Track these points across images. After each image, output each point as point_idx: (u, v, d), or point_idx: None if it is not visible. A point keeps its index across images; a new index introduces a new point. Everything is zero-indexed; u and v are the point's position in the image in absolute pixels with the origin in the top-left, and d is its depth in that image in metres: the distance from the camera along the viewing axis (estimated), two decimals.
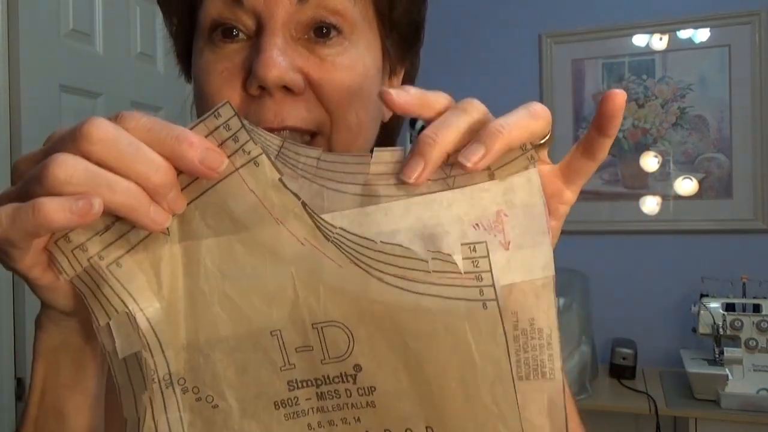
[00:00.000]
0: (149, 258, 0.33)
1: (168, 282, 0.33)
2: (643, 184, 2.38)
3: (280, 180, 0.32)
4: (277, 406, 0.34)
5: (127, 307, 0.32)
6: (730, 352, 1.92)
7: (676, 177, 2.33)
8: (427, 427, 0.34)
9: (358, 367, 0.34)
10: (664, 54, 2.36)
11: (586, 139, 0.38)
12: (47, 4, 1.51)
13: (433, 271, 0.32)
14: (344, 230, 0.33)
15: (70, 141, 0.30)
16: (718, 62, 2.30)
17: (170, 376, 0.33)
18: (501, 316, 0.32)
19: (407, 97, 0.34)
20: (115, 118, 0.31)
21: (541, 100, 2.60)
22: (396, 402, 0.34)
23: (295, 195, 0.33)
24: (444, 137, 0.33)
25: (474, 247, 0.32)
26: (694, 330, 2.00)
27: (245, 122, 0.32)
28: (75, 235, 0.32)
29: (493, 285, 0.32)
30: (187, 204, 0.33)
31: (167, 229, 0.33)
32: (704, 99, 2.31)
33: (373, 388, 0.34)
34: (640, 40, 2.38)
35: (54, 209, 0.28)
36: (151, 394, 0.33)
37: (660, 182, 2.36)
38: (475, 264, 0.32)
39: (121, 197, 0.30)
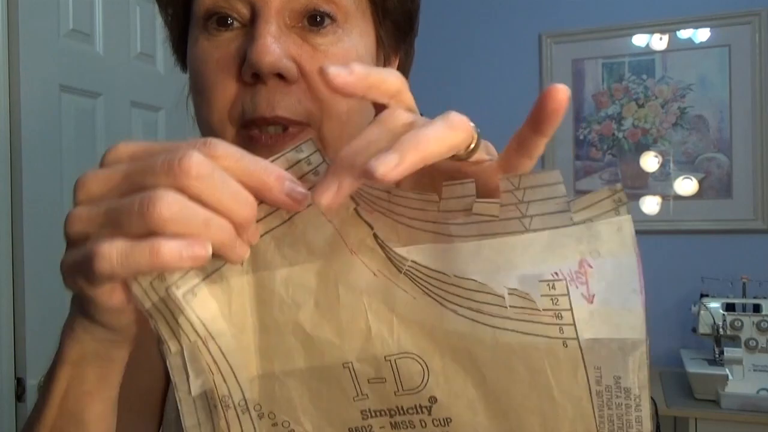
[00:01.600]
0: (223, 287, 0.33)
1: (240, 311, 0.33)
2: (643, 184, 2.38)
3: (356, 210, 0.32)
4: None
5: (200, 336, 0.32)
6: (730, 352, 1.92)
7: (676, 177, 2.33)
8: None
9: (433, 399, 0.33)
10: (664, 54, 2.36)
11: (519, 135, 0.32)
12: (47, 4, 1.51)
13: (510, 307, 0.31)
14: (416, 263, 0.32)
15: (166, 174, 0.29)
16: (718, 62, 2.30)
17: (245, 402, 0.33)
18: (583, 357, 0.31)
19: (348, 78, 0.30)
20: (204, 145, 0.30)
21: None
22: None
23: (369, 225, 0.32)
24: (359, 159, 0.29)
25: (553, 284, 0.30)
26: (694, 330, 2.00)
27: (326, 158, 0.32)
28: None
29: (573, 324, 0.30)
30: (263, 235, 0.33)
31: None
32: (704, 99, 2.31)
33: (449, 420, 0.33)
34: (640, 40, 2.38)
35: (170, 253, 0.28)
36: (227, 419, 0.33)
37: (660, 182, 2.36)
38: (554, 302, 0.30)
39: (216, 234, 0.30)
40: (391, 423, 0.34)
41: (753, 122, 2.26)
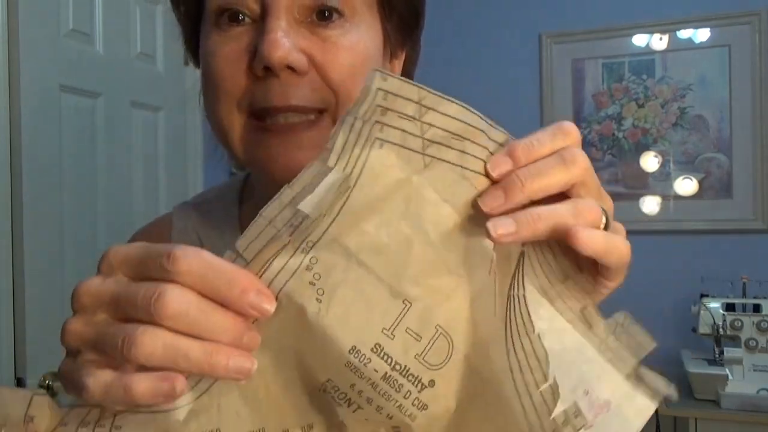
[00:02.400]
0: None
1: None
2: (643, 184, 2.38)
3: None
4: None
5: None
6: (730, 352, 1.92)
7: (676, 177, 2.34)
8: None
9: (432, 383, 0.34)
10: (664, 54, 2.36)
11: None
12: (47, 4, 1.51)
13: (541, 392, 0.33)
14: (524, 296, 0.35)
15: (146, 311, 0.31)
16: (718, 62, 2.30)
17: None
18: None
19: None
20: (167, 258, 0.31)
21: (541, 100, 2.62)
22: None
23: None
24: (533, 187, 0.33)
25: (576, 412, 0.33)
26: (694, 330, 2.00)
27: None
28: None
29: None
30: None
31: None
32: (704, 99, 2.31)
33: (425, 406, 0.34)
34: (640, 40, 2.38)
35: (142, 392, 0.30)
36: None
37: (660, 182, 2.36)
38: (566, 421, 0.33)
39: (196, 363, 0.31)
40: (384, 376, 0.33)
41: (753, 122, 2.26)
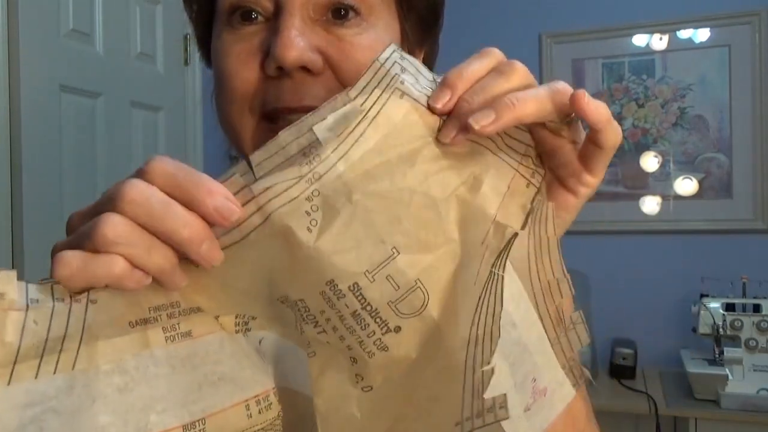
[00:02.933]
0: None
1: None
2: (643, 184, 2.38)
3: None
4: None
5: None
6: (730, 352, 1.92)
7: (676, 177, 2.33)
8: None
9: (398, 328, 0.35)
10: (664, 54, 2.36)
11: (587, 138, 0.39)
12: (47, 4, 1.51)
13: (482, 371, 0.34)
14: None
15: (110, 201, 0.32)
16: (718, 62, 2.30)
17: None
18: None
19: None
20: (143, 166, 0.33)
21: None
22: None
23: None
24: (479, 101, 0.34)
25: (502, 403, 0.34)
26: (694, 330, 2.00)
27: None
28: None
29: None
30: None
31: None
32: (704, 99, 2.31)
33: (386, 347, 0.35)
34: (640, 40, 2.38)
35: (121, 269, 0.31)
36: None
37: (660, 182, 2.36)
38: (491, 409, 0.34)
39: (156, 261, 0.32)
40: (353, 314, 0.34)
41: (753, 122, 2.26)
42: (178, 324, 0.34)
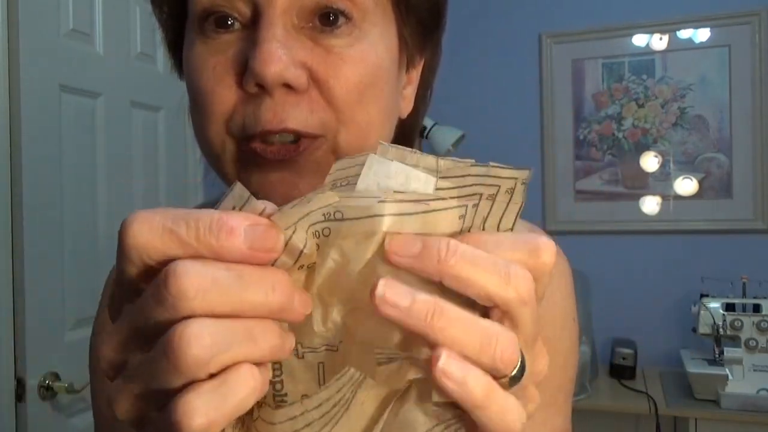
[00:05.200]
0: None
1: None
2: (643, 184, 2.38)
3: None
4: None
5: None
6: (730, 352, 1.92)
7: (676, 177, 2.34)
8: None
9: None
10: (664, 54, 2.36)
11: None
12: (47, 4, 1.51)
13: None
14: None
15: (160, 307, 0.24)
16: (718, 62, 2.30)
17: None
18: None
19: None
20: (124, 234, 0.25)
21: (541, 100, 2.61)
22: None
23: None
24: (455, 269, 0.25)
25: None
26: (694, 330, 2.00)
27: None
28: None
29: None
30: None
31: None
32: (704, 99, 2.32)
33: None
34: (640, 40, 2.38)
35: (255, 386, 0.25)
36: None
37: (660, 182, 2.36)
38: None
39: (266, 341, 0.25)
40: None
41: (753, 122, 2.26)
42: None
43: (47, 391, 1.47)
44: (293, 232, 0.26)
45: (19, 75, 1.42)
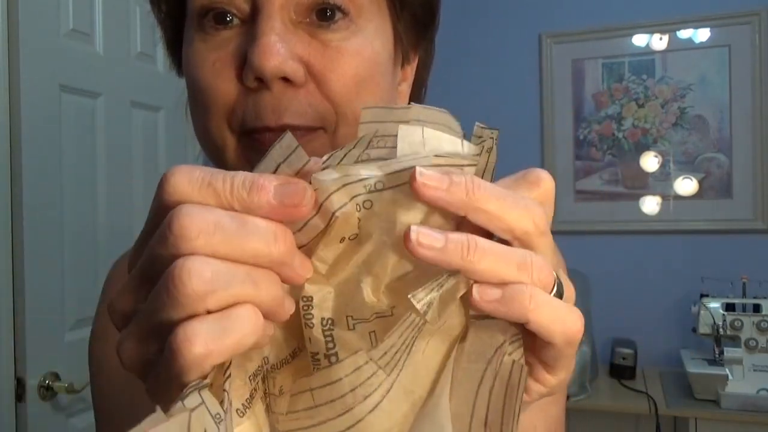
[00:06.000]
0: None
1: None
2: (643, 184, 2.38)
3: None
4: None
5: None
6: (730, 352, 1.92)
7: (676, 177, 2.34)
8: None
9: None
10: (664, 54, 2.36)
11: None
12: (47, 4, 1.51)
13: None
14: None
15: (168, 244, 0.24)
16: (718, 62, 2.30)
17: None
18: None
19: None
20: (165, 183, 0.26)
21: (541, 100, 2.61)
22: None
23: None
24: (478, 200, 0.26)
25: None
26: (694, 330, 2.00)
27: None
28: None
29: None
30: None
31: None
32: (704, 99, 2.32)
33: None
34: (640, 40, 2.38)
35: (253, 326, 0.25)
36: None
37: (660, 182, 2.36)
38: None
39: (268, 290, 0.26)
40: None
41: (753, 122, 2.26)
42: (274, 384, 0.30)
43: (47, 391, 1.47)
44: (329, 195, 0.27)
45: (19, 75, 1.42)
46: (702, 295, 2.05)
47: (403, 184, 0.27)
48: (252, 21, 0.42)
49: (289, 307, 0.27)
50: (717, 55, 2.30)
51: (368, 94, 0.44)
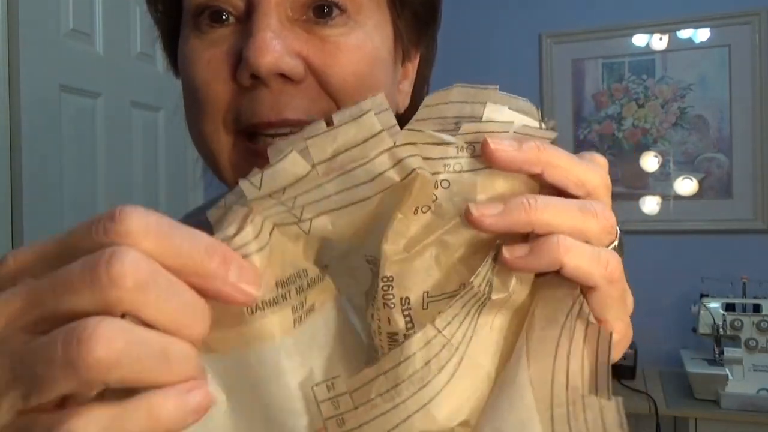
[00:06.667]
0: None
1: None
2: (643, 184, 2.38)
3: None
4: None
5: None
6: (730, 352, 1.92)
7: (676, 177, 2.33)
8: None
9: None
10: (664, 54, 2.36)
11: None
12: (47, 4, 1.51)
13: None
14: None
15: (91, 288, 0.21)
16: (718, 62, 2.30)
17: None
18: None
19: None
20: (111, 221, 0.22)
21: (541, 100, 2.60)
22: None
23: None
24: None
25: None
26: (694, 330, 2.00)
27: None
28: None
29: None
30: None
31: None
32: (704, 99, 2.31)
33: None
34: (640, 40, 2.38)
35: (173, 411, 0.22)
36: None
37: (660, 182, 2.36)
38: None
39: (180, 370, 0.22)
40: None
41: (753, 122, 2.26)
42: (305, 299, 0.29)
43: None
44: (408, 156, 0.27)
45: (19, 75, 1.42)
46: (702, 295, 2.05)
47: (482, 169, 0.29)
48: (248, 19, 0.41)
49: (197, 405, 0.23)
50: (717, 55, 2.30)
51: (369, 90, 0.43)
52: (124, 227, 0.22)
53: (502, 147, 0.28)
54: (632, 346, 2.18)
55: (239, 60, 0.40)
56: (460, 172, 0.29)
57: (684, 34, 2.34)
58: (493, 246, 0.29)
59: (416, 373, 0.28)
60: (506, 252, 0.28)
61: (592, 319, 0.29)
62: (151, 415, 0.21)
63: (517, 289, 0.30)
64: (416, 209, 0.29)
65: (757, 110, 2.25)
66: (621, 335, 0.31)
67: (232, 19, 0.42)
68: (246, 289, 0.24)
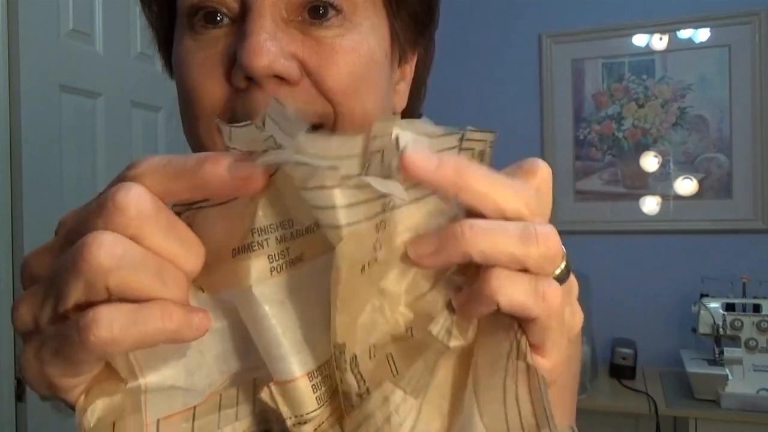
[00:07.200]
0: None
1: None
2: (643, 184, 2.38)
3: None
4: None
5: None
6: (730, 352, 1.92)
7: (676, 177, 2.33)
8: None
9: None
10: (664, 54, 2.36)
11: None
12: (47, 4, 1.51)
13: None
14: None
15: (98, 215, 0.25)
16: (718, 62, 2.30)
17: None
18: None
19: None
20: (128, 170, 0.27)
21: (541, 100, 2.60)
22: None
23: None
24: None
25: None
26: (694, 330, 2.00)
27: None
28: None
29: None
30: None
31: None
32: (704, 99, 2.31)
33: None
34: (640, 40, 2.38)
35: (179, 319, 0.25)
36: None
37: (660, 182, 2.36)
38: None
39: (172, 290, 0.25)
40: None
41: (753, 122, 2.26)
42: (288, 249, 0.28)
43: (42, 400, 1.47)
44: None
45: (19, 75, 1.42)
46: (702, 295, 2.05)
47: (417, 199, 0.28)
48: (242, 20, 0.41)
49: (198, 324, 0.26)
50: (717, 55, 2.30)
51: (366, 92, 0.43)
52: (133, 171, 0.27)
53: (418, 163, 0.26)
54: (632, 346, 2.18)
55: (233, 61, 0.40)
56: (392, 209, 0.27)
57: (684, 34, 2.34)
58: (439, 279, 0.29)
59: (378, 431, 0.29)
60: (453, 302, 0.28)
61: (529, 359, 0.28)
62: (164, 314, 0.24)
63: (473, 334, 0.30)
64: (362, 267, 0.27)
65: (757, 110, 2.25)
66: (555, 362, 0.29)
67: (226, 20, 0.42)
68: (241, 174, 0.25)
